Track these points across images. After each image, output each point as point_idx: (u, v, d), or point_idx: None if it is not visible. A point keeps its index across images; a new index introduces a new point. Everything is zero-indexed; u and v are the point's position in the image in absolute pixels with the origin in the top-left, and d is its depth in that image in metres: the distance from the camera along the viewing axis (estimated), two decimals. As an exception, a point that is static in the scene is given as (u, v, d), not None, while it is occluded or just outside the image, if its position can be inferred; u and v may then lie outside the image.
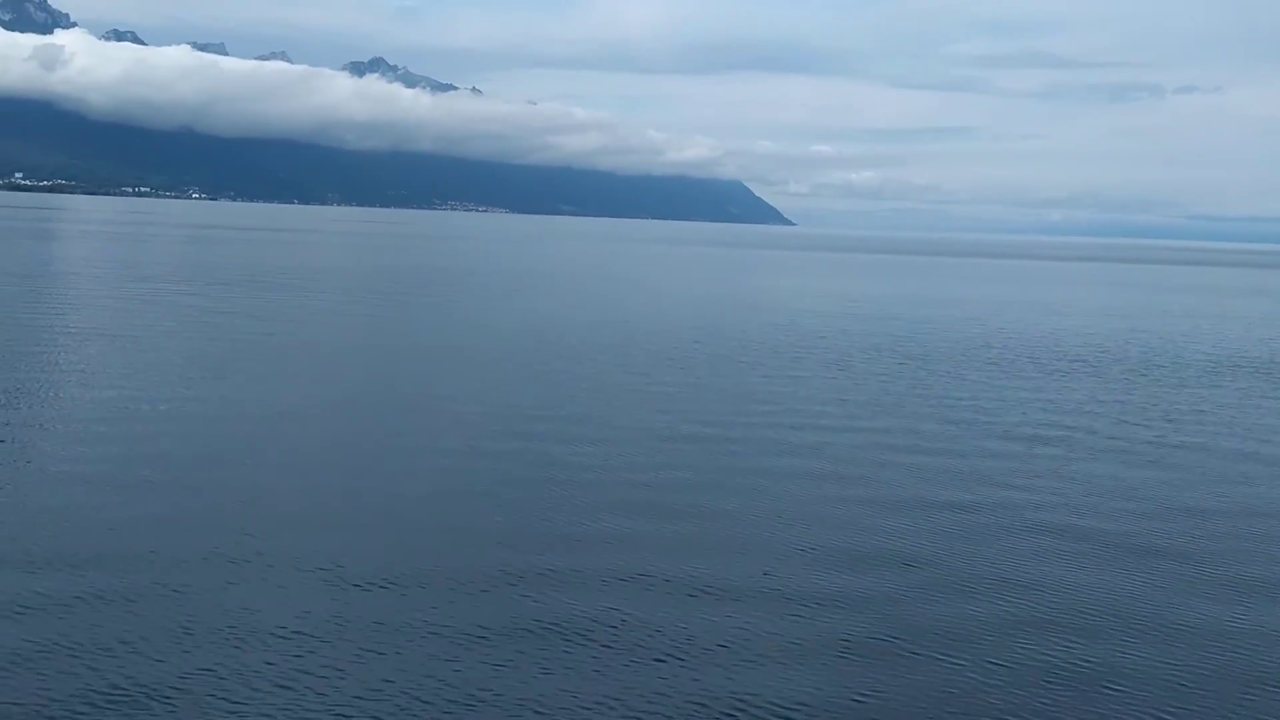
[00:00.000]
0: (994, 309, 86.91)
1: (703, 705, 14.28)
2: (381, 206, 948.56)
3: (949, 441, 31.51)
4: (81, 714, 13.30)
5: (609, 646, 15.91)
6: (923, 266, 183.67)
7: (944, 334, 63.55)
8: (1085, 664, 16.29)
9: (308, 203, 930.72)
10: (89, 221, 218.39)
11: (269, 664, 14.81)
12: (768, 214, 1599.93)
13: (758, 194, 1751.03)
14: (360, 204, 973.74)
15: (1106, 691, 15.40)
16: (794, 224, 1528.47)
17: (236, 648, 15.23)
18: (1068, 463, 29.42)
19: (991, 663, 16.14)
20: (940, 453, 29.85)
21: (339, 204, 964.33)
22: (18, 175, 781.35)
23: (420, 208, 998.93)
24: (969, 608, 18.35)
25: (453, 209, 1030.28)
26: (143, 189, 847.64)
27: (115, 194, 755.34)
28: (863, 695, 14.88)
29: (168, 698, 13.72)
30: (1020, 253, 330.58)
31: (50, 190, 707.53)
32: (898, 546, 21.37)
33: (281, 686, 14.18)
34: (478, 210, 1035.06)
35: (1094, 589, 19.52)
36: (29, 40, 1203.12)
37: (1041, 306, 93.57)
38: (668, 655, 15.74)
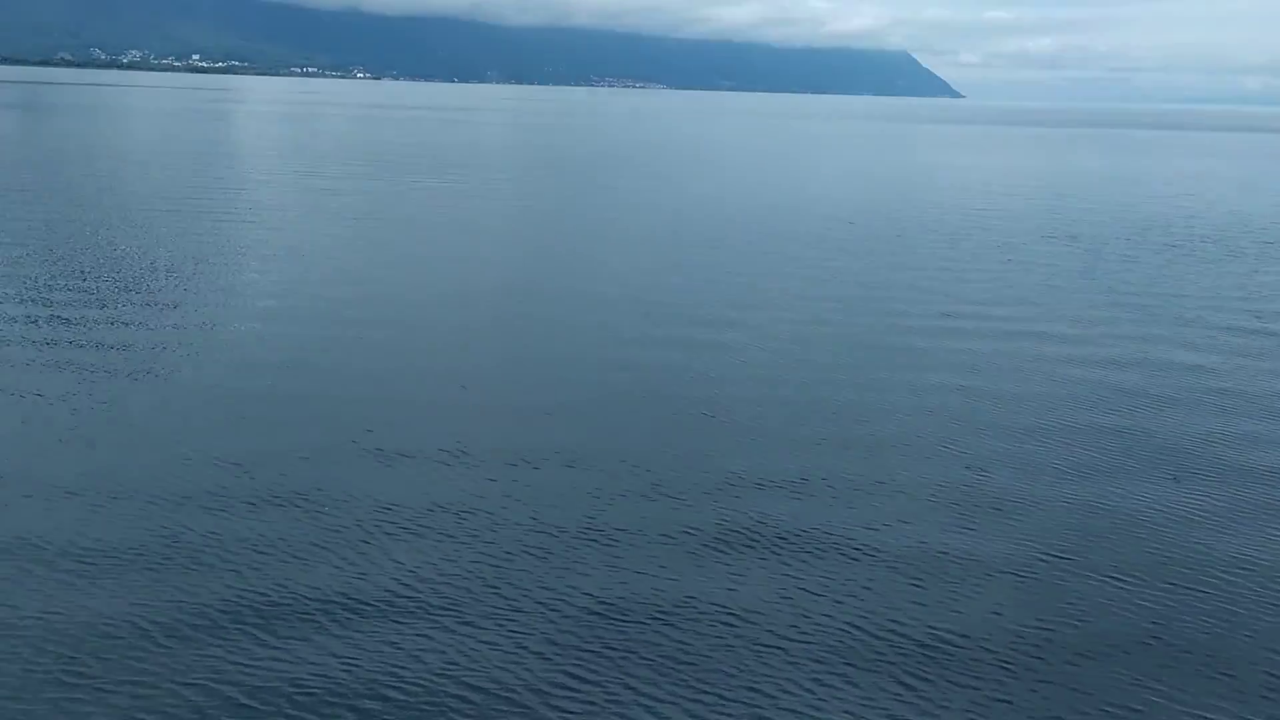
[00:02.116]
0: (1179, 186, 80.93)
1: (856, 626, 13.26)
2: (539, 84, 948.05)
3: (1121, 342, 28.93)
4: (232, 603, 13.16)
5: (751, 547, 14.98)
6: (1102, 140, 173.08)
7: (1121, 214, 59.42)
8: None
9: (467, 80, 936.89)
10: (275, 102, 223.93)
11: (430, 561, 14.43)
12: (936, 87, 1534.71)
13: (925, 65, 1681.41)
14: (518, 81, 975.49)
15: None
16: (963, 97, 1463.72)
17: (384, 542, 14.93)
18: (1269, 374, 26.51)
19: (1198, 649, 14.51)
20: (1112, 362, 26.81)
21: (498, 82, 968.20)
22: (195, 57, 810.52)
23: (577, 84, 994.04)
24: (1163, 561, 16.62)
25: (610, 85, 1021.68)
26: (310, 69, 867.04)
27: (285, 74, 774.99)
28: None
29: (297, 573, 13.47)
30: (1213, 124, 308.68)
31: (225, 72, 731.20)
32: (1065, 479, 19.03)
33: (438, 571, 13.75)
34: (635, 86, 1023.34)
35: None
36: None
37: (1232, 182, 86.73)
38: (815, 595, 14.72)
